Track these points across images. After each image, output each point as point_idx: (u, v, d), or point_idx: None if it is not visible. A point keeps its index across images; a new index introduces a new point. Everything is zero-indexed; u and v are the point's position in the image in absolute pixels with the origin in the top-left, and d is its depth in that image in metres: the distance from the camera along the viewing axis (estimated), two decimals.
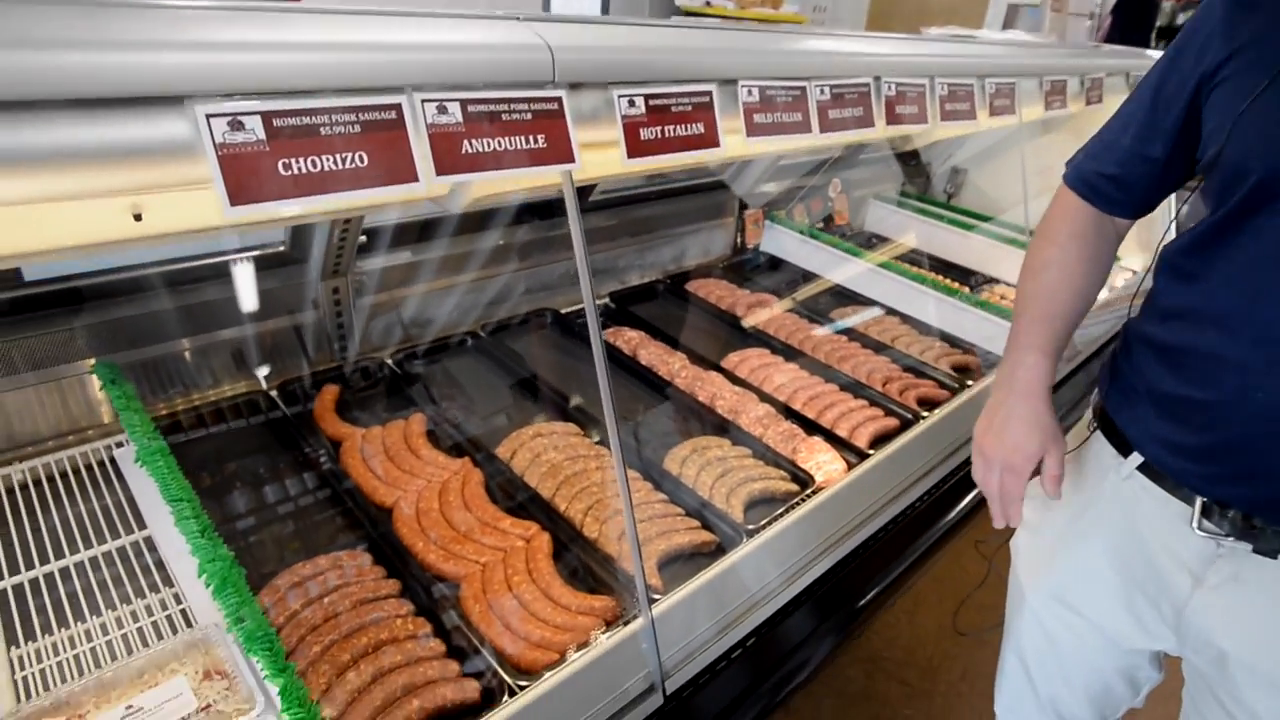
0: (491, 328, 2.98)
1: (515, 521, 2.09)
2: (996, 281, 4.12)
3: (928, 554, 2.56)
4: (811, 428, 2.66)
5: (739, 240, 4.10)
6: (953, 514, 2.69)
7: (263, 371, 2.58)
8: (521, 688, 1.60)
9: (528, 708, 1.55)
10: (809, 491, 2.30)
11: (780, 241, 4.01)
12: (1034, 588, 1.89)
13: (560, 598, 1.87)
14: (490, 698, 1.60)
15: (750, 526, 2.12)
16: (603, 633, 1.74)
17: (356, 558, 1.93)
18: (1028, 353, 1.69)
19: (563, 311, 3.22)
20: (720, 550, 2.11)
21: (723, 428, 2.60)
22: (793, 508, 2.19)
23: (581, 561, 2.01)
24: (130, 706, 1.48)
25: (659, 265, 3.78)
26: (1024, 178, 3.53)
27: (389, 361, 2.71)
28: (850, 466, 2.46)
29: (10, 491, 2.08)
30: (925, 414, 2.76)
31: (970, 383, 3.01)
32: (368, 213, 2.36)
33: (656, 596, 1.83)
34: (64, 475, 2.14)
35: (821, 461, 2.45)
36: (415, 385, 2.63)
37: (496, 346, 2.92)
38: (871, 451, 2.51)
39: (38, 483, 2.11)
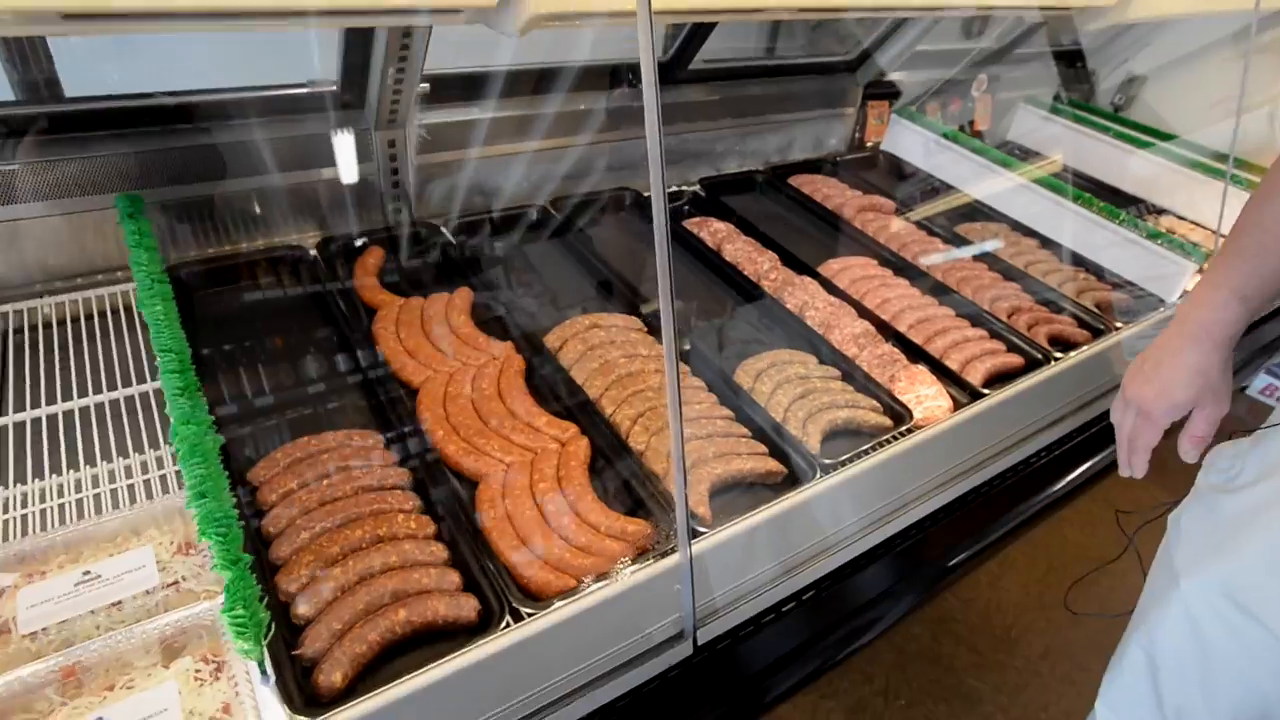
0: (563, 204, 2.64)
1: (552, 420, 1.81)
2: (1165, 212, 3.45)
3: (1038, 516, 2.16)
4: (916, 354, 2.24)
5: (857, 135, 3.56)
6: (1075, 474, 2.25)
7: (305, 227, 2.35)
8: (527, 615, 1.34)
9: (529, 640, 1.30)
10: (903, 429, 1.92)
11: (905, 141, 3.45)
12: (1193, 576, 1.48)
13: (589, 514, 1.60)
14: (489, 621, 1.36)
15: (827, 460, 1.77)
16: (630, 565, 1.46)
17: (368, 439, 1.70)
18: (1217, 291, 1.38)
19: (645, 194, 2.84)
20: (789, 483, 1.78)
21: (810, 343, 2.22)
22: (881, 445, 1.82)
23: (622, 477, 1.72)
24: (88, 573, 1.31)
25: (762, 154, 3.31)
26: (1242, 89, 2.81)
27: (444, 230, 2.43)
28: (957, 406, 2.04)
29: (34, 328, 1.94)
30: (1057, 355, 2.28)
31: (1119, 325, 2.49)
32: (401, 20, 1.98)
33: (702, 530, 1.53)
34: (89, 316, 2.00)
35: (923, 396, 2.05)
36: (469, 258, 2.35)
37: (566, 225, 2.59)
38: (986, 391, 2.08)
39: (62, 322, 1.97)
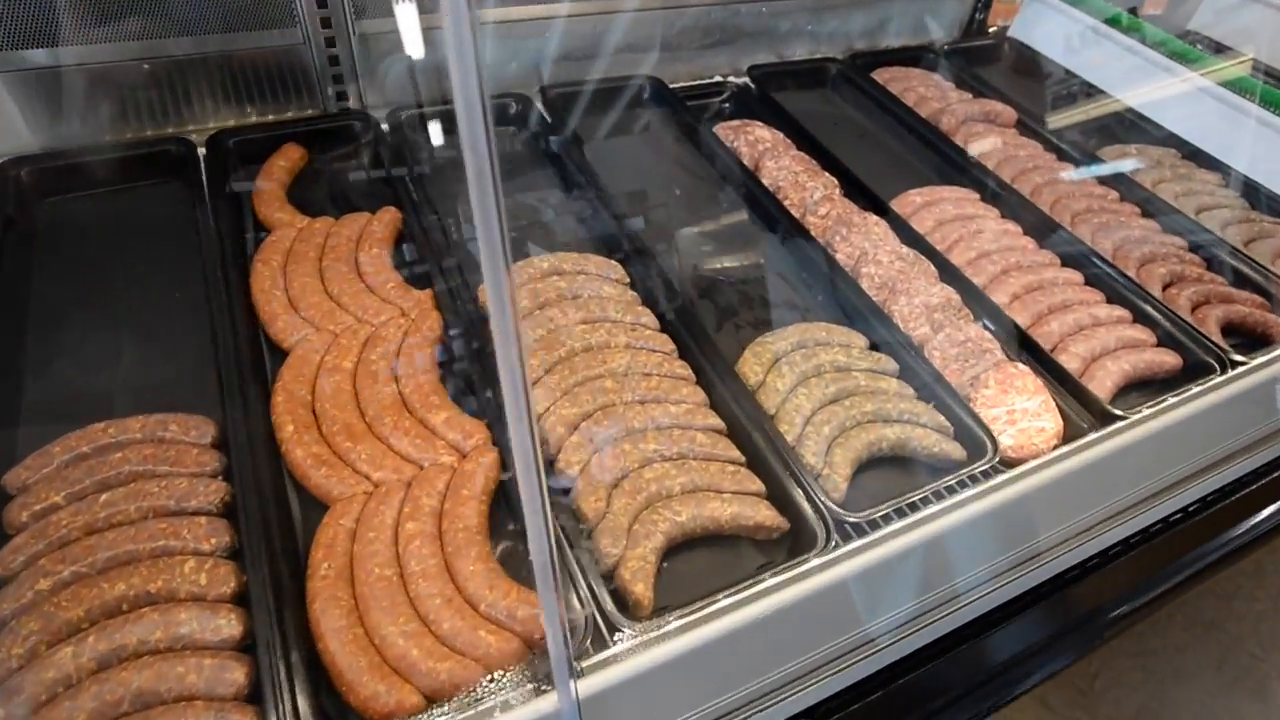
0: (555, 94, 1.99)
1: (457, 418, 1.26)
2: None
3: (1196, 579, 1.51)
4: (1019, 342, 1.55)
5: (977, 16, 2.68)
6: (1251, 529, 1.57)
7: (208, 114, 1.81)
8: None
9: None
10: (981, 467, 1.28)
11: (1044, 26, 2.56)
12: None
13: (469, 581, 1.06)
14: None
15: (853, 518, 1.17)
16: (506, 681, 0.94)
17: (191, 429, 1.20)
18: None
19: (675, 85, 2.15)
20: (792, 545, 1.20)
21: (863, 315, 1.56)
22: (939, 495, 1.20)
23: (553, 510, 1.16)
24: None
25: (843, 38, 2.51)
26: None
27: (384, 124, 1.83)
28: (1070, 432, 1.38)
29: None
30: (1236, 357, 1.55)
31: None
32: None
33: (620, 636, 0.98)
34: None
35: (1019, 411, 1.39)
36: (406, 163, 1.75)
37: (555, 123, 1.95)
38: (1118, 413, 1.40)
39: None
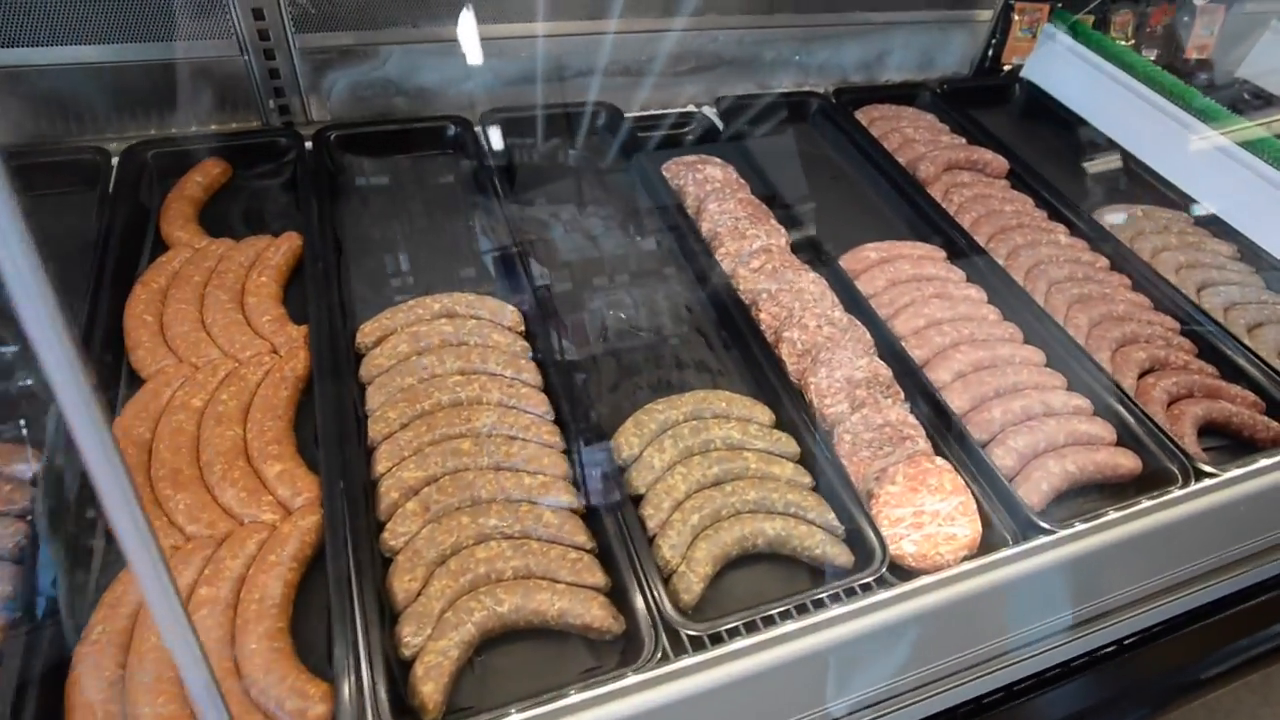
0: (501, 116, 1.89)
1: (291, 470, 1.18)
2: None
3: None
4: (952, 430, 1.38)
5: (990, 52, 2.49)
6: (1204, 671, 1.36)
7: (140, 123, 1.77)
8: None
9: None
10: (863, 578, 1.13)
11: (1058, 67, 2.35)
12: None
13: (246, 663, 0.97)
14: None
15: (694, 630, 1.04)
16: None
17: (13, 463, 1.14)
18: None
19: (641, 114, 2.04)
20: (626, 650, 1.07)
21: (775, 386, 1.41)
22: (804, 610, 1.06)
23: (347, 599, 1.06)
24: None
25: (836, 69, 2.35)
26: None
27: (308, 141, 1.77)
28: (989, 544, 1.22)
29: None
30: (1206, 468, 1.35)
31: None
32: None
33: None
34: None
35: (929, 514, 1.23)
36: (324, 185, 1.67)
37: (492, 149, 1.85)
38: (1046, 526, 1.23)
39: None
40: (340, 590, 1.03)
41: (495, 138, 1.83)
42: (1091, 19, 2.49)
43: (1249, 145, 1.94)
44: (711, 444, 1.29)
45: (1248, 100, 2.62)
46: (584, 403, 1.32)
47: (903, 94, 2.29)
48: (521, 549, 1.12)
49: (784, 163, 1.97)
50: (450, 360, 1.35)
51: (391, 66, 1.92)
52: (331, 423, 1.22)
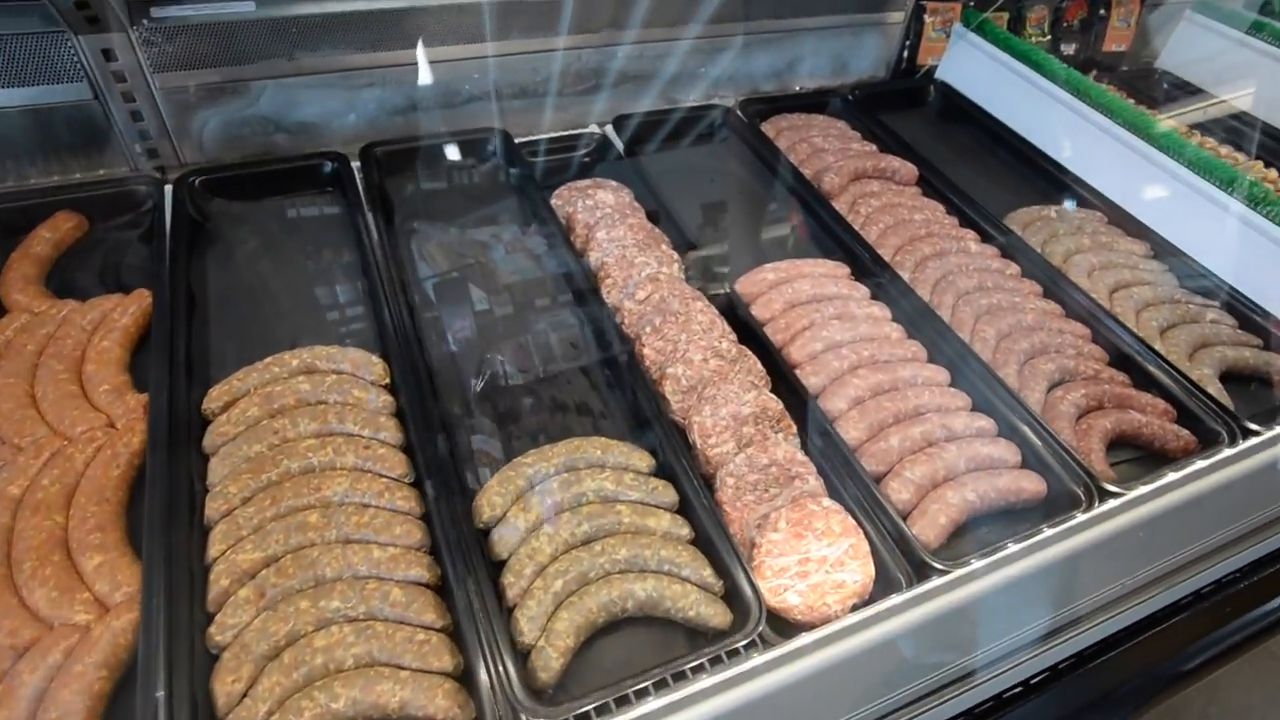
0: (382, 150, 1.79)
1: (113, 560, 1.07)
2: None
3: None
4: (845, 466, 1.30)
5: (906, 54, 2.43)
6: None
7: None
8: None
9: None
10: (738, 641, 1.04)
11: (970, 65, 2.29)
12: None
13: None
14: None
15: (541, 715, 0.94)
16: None
17: None
18: None
19: (541, 137, 1.95)
20: None
21: (652, 429, 1.32)
22: (672, 682, 0.97)
23: (172, 695, 0.96)
24: None
25: (746, 79, 2.28)
26: None
27: (169, 184, 1.66)
28: (883, 588, 1.14)
29: None
30: (1109, 487, 1.28)
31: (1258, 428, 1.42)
32: None
33: None
34: None
35: (816, 559, 1.15)
36: (184, 235, 1.56)
37: (369, 186, 1.75)
38: (939, 566, 1.15)
39: None
40: (148, 701, 0.93)
41: (374, 173, 1.73)
42: (1005, 16, 2.45)
43: (1156, 139, 1.89)
44: (584, 498, 1.20)
45: (1167, 91, 2.59)
46: (447, 459, 1.23)
47: (814, 102, 2.22)
48: (365, 633, 1.03)
49: (684, 182, 1.89)
50: (304, 422, 1.25)
51: (265, 102, 1.82)
52: (159, 503, 1.11)
